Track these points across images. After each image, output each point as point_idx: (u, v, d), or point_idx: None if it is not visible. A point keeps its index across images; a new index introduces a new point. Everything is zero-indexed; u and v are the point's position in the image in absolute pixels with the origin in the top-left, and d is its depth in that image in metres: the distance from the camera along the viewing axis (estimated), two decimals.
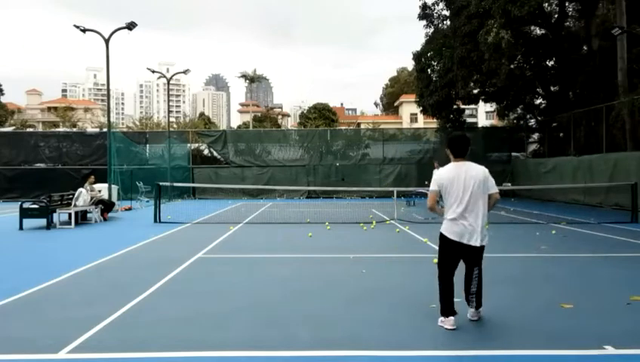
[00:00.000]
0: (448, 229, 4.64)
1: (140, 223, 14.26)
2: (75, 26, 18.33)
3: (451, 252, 4.67)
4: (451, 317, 4.54)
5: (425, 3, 25.94)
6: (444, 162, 5.09)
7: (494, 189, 4.66)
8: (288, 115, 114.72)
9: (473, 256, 4.65)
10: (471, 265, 4.70)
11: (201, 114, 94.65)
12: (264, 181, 26.49)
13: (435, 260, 7.85)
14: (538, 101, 26.80)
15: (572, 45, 23.02)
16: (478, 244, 4.55)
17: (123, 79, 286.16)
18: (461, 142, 4.68)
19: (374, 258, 8.49)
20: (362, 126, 60.25)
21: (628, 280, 6.66)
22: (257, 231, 12.20)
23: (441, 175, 4.68)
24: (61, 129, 53.05)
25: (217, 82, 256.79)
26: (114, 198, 18.08)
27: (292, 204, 22.08)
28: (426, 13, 26.14)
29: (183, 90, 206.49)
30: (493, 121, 55.10)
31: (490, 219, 13.30)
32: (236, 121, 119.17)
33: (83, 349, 4.09)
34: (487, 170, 4.67)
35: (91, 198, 14.66)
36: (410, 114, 67.70)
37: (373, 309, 5.25)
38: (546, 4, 22.75)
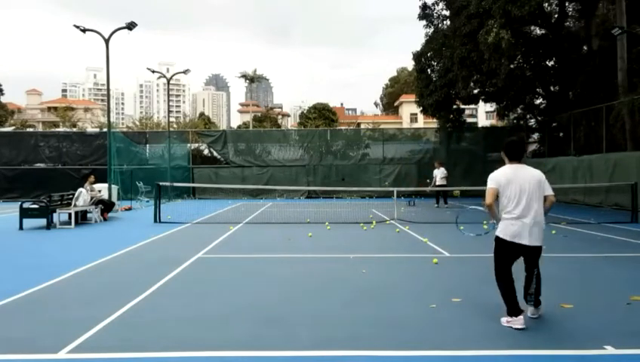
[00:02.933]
0: (505, 231, 4.68)
1: (140, 223, 14.26)
2: (75, 26, 18.33)
3: (508, 253, 4.71)
4: (520, 317, 4.54)
5: (425, 3, 25.91)
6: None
7: (550, 191, 4.74)
8: (288, 115, 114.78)
9: (531, 256, 4.71)
10: (530, 266, 4.75)
11: (201, 114, 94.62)
12: (264, 181, 26.48)
13: (435, 260, 7.90)
14: (538, 101, 26.78)
15: (572, 45, 23.00)
16: (534, 244, 4.62)
17: (123, 79, 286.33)
18: (517, 146, 4.87)
19: (374, 258, 8.49)
20: (362, 126, 60.24)
21: (628, 280, 6.66)
22: (257, 231, 12.20)
23: (499, 175, 4.76)
24: (61, 129, 53.03)
25: (217, 82, 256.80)
26: (114, 198, 18.07)
27: (292, 204, 22.08)
28: (425, 13, 26.10)
29: (183, 90, 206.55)
30: (493, 121, 55.09)
31: (490, 219, 13.22)
32: (236, 121, 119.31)
33: (83, 349, 4.09)
34: (542, 174, 4.82)
35: (91, 198, 14.66)
36: (410, 114, 67.70)
37: (374, 309, 5.25)
38: (546, 4, 22.73)
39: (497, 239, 4.76)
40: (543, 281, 5.94)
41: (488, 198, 4.77)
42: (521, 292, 4.75)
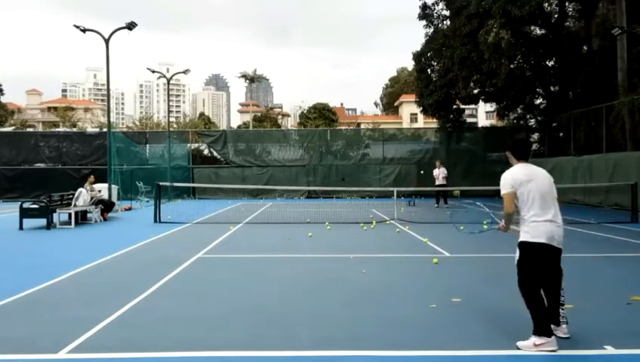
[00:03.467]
0: (534, 232, 4.17)
1: (139, 223, 14.26)
2: (75, 25, 18.34)
3: (540, 257, 4.18)
4: (553, 338, 4.02)
5: (425, 3, 25.92)
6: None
7: (556, 193, 4.43)
8: (288, 115, 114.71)
9: (556, 261, 4.30)
10: (557, 275, 4.33)
11: (201, 114, 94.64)
12: (264, 181, 26.48)
13: (435, 260, 7.90)
14: (538, 101, 26.79)
15: (572, 45, 23.00)
16: (561, 246, 4.27)
17: (123, 79, 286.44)
18: (525, 145, 4.55)
19: (374, 258, 8.49)
20: (362, 126, 60.25)
21: (628, 280, 6.67)
22: (257, 231, 12.20)
23: (515, 175, 4.30)
24: (61, 129, 53.03)
25: (217, 82, 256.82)
26: (114, 198, 18.07)
27: (292, 204, 22.09)
28: (426, 13, 26.11)
29: (183, 90, 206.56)
30: (493, 121, 55.09)
31: (490, 219, 13.11)
32: (236, 121, 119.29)
33: (83, 349, 4.09)
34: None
35: (91, 198, 14.66)
36: (410, 114, 67.71)
37: (373, 309, 5.25)
38: (546, 4, 22.73)
39: (525, 244, 4.20)
40: None
41: (509, 206, 4.26)
42: None
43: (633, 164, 16.31)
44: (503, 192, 4.30)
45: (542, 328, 4.01)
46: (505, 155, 4.63)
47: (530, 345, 4.01)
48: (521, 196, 4.24)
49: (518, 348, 4.03)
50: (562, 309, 4.29)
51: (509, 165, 4.63)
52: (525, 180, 4.23)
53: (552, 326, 4.14)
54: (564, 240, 4.35)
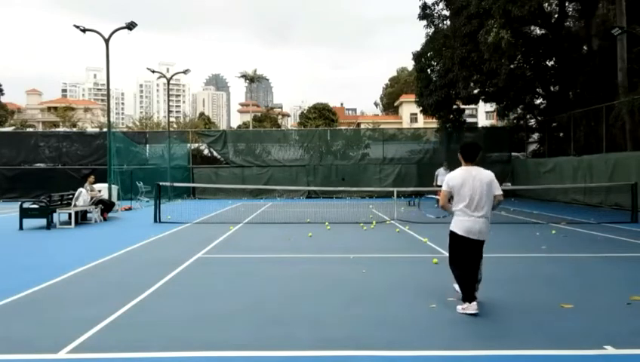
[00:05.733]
0: (458, 226, 5.16)
1: (139, 223, 14.26)
2: (75, 25, 18.34)
3: (461, 246, 5.17)
4: (474, 303, 4.98)
5: (425, 3, 25.93)
6: (452, 163, 5.41)
7: (498, 191, 5.19)
8: (288, 115, 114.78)
9: (477, 249, 5.18)
10: (477, 258, 5.21)
11: (201, 114, 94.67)
12: (264, 181, 26.48)
13: (435, 260, 7.90)
14: (538, 101, 26.79)
15: (572, 45, 23.00)
16: (482, 239, 5.13)
17: (123, 79, 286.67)
18: (472, 148, 5.28)
19: (374, 258, 8.49)
20: (362, 126, 60.25)
21: (628, 280, 6.66)
22: (257, 231, 12.20)
23: (454, 177, 5.20)
24: (61, 129, 53.08)
25: (217, 82, 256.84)
26: (114, 198, 18.07)
27: (292, 204, 22.08)
28: (426, 14, 26.11)
29: (183, 90, 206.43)
30: (493, 121, 55.12)
31: (491, 219, 13.17)
32: (236, 121, 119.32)
33: (83, 349, 4.10)
34: (493, 174, 5.23)
35: (91, 198, 14.66)
36: (410, 114, 67.70)
37: (373, 309, 5.25)
38: (546, 4, 22.74)
39: (451, 233, 5.25)
40: (543, 281, 5.97)
41: (442, 200, 5.30)
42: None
43: (633, 164, 16.31)
44: (442, 189, 5.31)
45: (466, 296, 5.06)
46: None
47: (459, 309, 5.07)
48: (455, 195, 5.17)
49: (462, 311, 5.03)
50: (477, 283, 5.21)
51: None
52: (459, 183, 5.12)
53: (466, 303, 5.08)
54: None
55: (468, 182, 5.08)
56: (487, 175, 5.17)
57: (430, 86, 26.57)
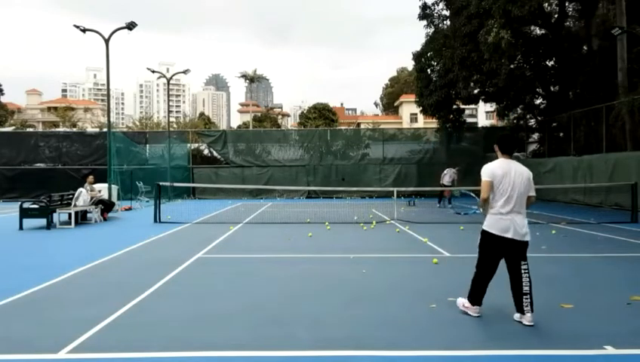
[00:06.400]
0: (493, 224, 4.72)
1: (139, 223, 14.26)
2: (75, 25, 18.34)
3: (494, 247, 4.75)
4: (477, 307, 4.83)
5: (425, 3, 25.92)
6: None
7: (534, 192, 4.83)
8: (288, 115, 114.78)
9: (518, 251, 4.71)
10: (518, 261, 4.71)
11: (201, 114, 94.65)
12: (264, 181, 26.49)
13: (435, 260, 7.90)
14: (538, 101, 26.78)
15: (572, 45, 23.00)
16: (522, 239, 4.67)
17: (123, 79, 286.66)
18: (510, 140, 4.96)
19: (374, 258, 8.48)
20: (362, 126, 60.22)
21: (628, 280, 6.66)
22: (257, 231, 12.20)
23: (495, 167, 4.76)
24: (61, 129, 53.06)
25: (217, 82, 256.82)
26: (114, 198, 18.07)
27: (292, 204, 22.08)
28: (426, 13, 26.11)
29: (183, 90, 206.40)
30: (493, 121, 55.11)
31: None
32: (236, 121, 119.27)
33: (83, 349, 4.09)
34: (531, 173, 4.85)
35: (91, 198, 14.66)
36: (410, 114, 67.68)
37: (374, 309, 5.25)
38: (546, 4, 22.74)
39: (485, 233, 4.81)
40: (543, 281, 5.92)
41: (484, 192, 4.75)
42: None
43: (633, 164, 16.30)
44: (483, 179, 4.77)
45: (473, 296, 4.88)
46: (496, 150, 4.98)
47: (460, 303, 4.98)
48: (494, 188, 4.72)
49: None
50: (526, 298, 4.61)
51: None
52: (501, 175, 4.69)
53: (518, 313, 4.69)
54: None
55: (509, 175, 4.67)
56: (526, 170, 4.79)
57: (430, 86, 26.57)
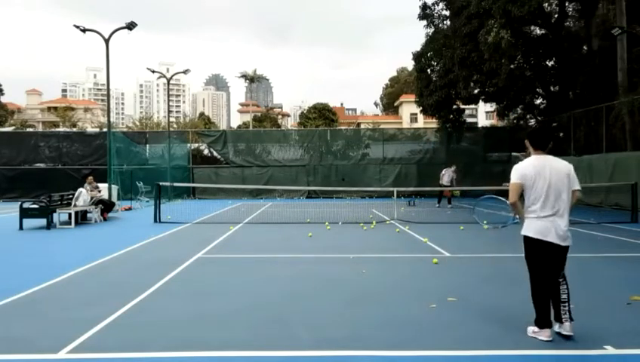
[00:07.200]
0: (531, 227, 4.29)
1: (139, 223, 14.26)
2: (75, 25, 18.35)
3: (538, 252, 4.29)
4: (547, 329, 4.22)
5: (425, 3, 25.94)
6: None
7: (577, 186, 4.33)
8: (288, 115, 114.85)
9: (559, 257, 4.27)
10: (558, 269, 4.30)
11: (201, 114, 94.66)
12: (264, 181, 26.49)
13: (435, 260, 7.90)
14: (538, 101, 26.79)
15: (572, 45, 23.01)
16: (563, 244, 4.23)
17: (123, 79, 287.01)
18: (543, 134, 4.43)
19: (374, 258, 8.48)
20: (362, 126, 60.23)
21: (628, 280, 6.66)
22: (257, 231, 12.20)
23: (525, 166, 4.32)
24: (61, 129, 53.06)
25: (217, 82, 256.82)
26: (114, 198, 18.07)
27: (292, 204, 22.08)
28: (426, 14, 26.12)
29: (183, 90, 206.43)
30: (493, 121, 55.10)
31: (490, 219, 13.18)
32: (236, 121, 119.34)
33: (83, 349, 4.09)
34: (571, 165, 4.37)
35: (91, 198, 14.66)
36: (410, 114, 67.68)
37: (373, 309, 5.25)
38: (546, 4, 22.73)
39: (526, 239, 4.36)
40: None
41: (512, 196, 4.34)
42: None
43: (633, 164, 16.31)
44: (511, 181, 4.36)
45: (540, 319, 4.27)
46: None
47: (530, 332, 4.34)
48: (527, 190, 4.30)
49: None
50: (564, 306, 4.24)
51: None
52: (532, 176, 4.23)
53: (557, 323, 4.28)
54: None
55: (543, 174, 4.20)
56: (565, 165, 4.29)
57: (430, 86, 26.57)
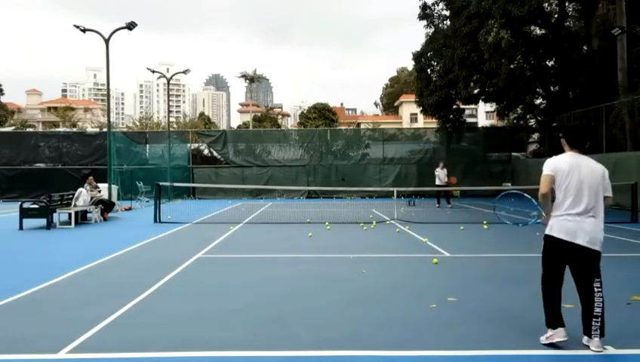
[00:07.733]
0: (559, 227, 4.04)
1: (139, 223, 14.26)
2: (75, 25, 18.35)
3: (560, 255, 4.07)
4: (560, 329, 4.02)
5: (425, 3, 25.95)
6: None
7: (610, 192, 4.10)
8: (288, 115, 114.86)
9: (589, 262, 4.01)
10: (589, 276, 4.01)
11: (201, 114, 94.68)
12: (264, 181, 26.47)
13: (435, 260, 7.90)
14: (538, 101, 26.81)
15: (572, 45, 23.02)
16: (594, 248, 3.97)
17: (123, 79, 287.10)
18: (581, 132, 4.24)
19: (374, 258, 8.48)
20: (362, 126, 60.23)
21: (628, 280, 6.66)
22: (257, 231, 12.20)
23: (558, 161, 4.12)
24: (61, 129, 53.07)
25: (217, 82, 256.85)
26: (114, 198, 18.07)
27: (292, 204, 22.08)
28: (426, 14, 26.13)
29: (183, 90, 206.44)
30: (493, 121, 55.12)
31: (490, 219, 13.20)
32: (236, 121, 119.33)
33: (83, 349, 4.10)
34: (605, 169, 4.16)
35: (91, 198, 14.66)
36: (410, 114, 67.70)
37: (373, 309, 5.25)
38: (546, 4, 22.75)
39: (548, 238, 4.14)
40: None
41: (544, 187, 4.08)
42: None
43: (633, 164, 16.31)
44: (544, 173, 4.16)
45: (550, 320, 4.11)
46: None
47: (544, 339, 4.11)
48: (558, 186, 4.08)
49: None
50: (595, 321, 3.93)
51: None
52: (565, 171, 4.04)
53: (585, 337, 4.03)
54: None
55: (576, 172, 4.00)
56: (600, 167, 4.09)
57: (430, 86, 26.58)
